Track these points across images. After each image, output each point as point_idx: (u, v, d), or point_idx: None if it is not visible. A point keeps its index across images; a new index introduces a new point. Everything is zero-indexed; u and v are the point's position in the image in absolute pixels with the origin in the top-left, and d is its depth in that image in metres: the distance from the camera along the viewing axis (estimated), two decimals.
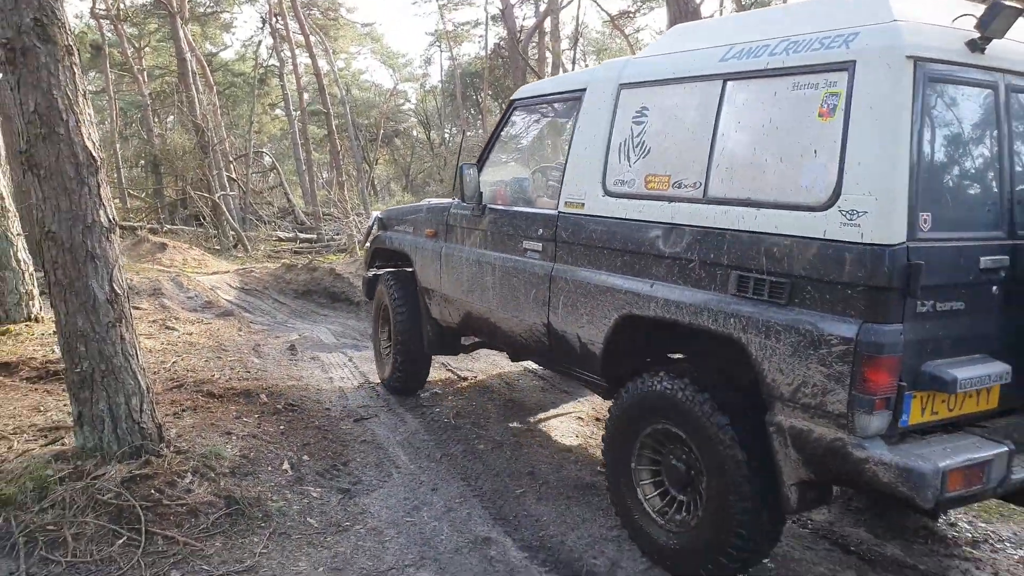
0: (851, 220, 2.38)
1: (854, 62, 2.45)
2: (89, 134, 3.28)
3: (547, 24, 23.21)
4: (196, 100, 20.59)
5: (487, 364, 6.24)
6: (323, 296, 12.96)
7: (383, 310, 5.29)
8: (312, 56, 25.38)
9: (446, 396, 5.23)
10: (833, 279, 2.41)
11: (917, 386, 2.41)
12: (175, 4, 20.77)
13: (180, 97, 22.84)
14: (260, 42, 32.69)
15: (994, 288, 2.58)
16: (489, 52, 34.91)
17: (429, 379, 5.40)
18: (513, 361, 5.16)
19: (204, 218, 20.44)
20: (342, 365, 5.98)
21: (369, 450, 4.21)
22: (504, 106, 4.31)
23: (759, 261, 2.64)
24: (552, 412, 5.02)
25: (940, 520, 3.49)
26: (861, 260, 2.33)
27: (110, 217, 3.35)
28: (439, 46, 43.31)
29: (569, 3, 29.03)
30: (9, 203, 6.68)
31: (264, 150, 31.99)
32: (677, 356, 3.35)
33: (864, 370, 2.31)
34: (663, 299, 2.97)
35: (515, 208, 4.14)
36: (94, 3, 24.35)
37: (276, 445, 4.03)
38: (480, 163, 4.38)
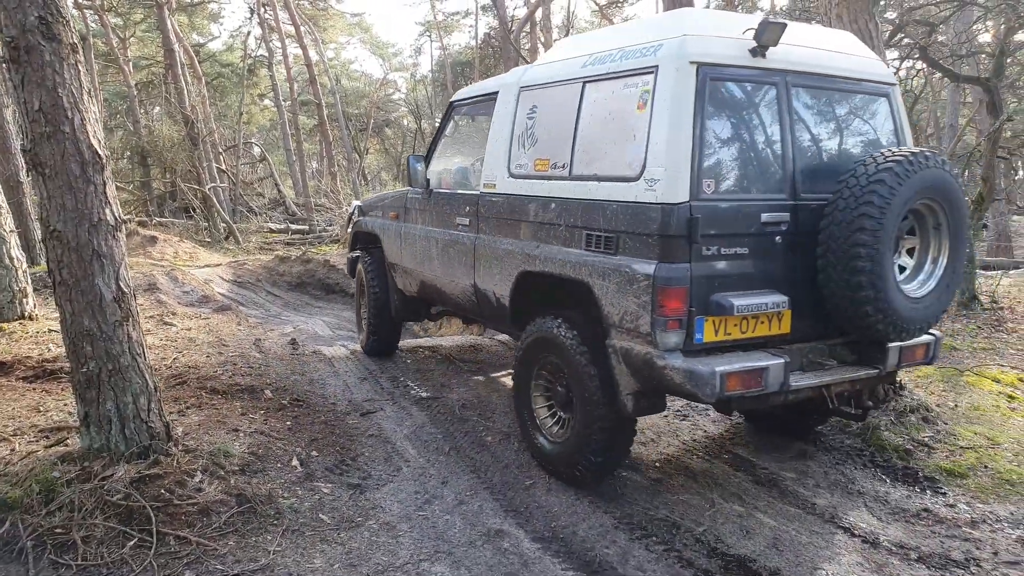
0: (651, 187, 3.15)
1: (657, 66, 3.20)
2: (95, 132, 3.24)
3: (538, 14, 23.07)
4: (185, 91, 20.36)
5: (488, 355, 6.24)
6: (317, 288, 12.94)
7: (361, 285, 6.13)
8: (302, 46, 25.17)
9: (451, 388, 5.23)
10: (641, 231, 3.20)
11: (708, 312, 3.13)
12: None
13: (168, 88, 22.60)
14: (248, 32, 32.29)
15: (777, 238, 3.30)
16: (480, 42, 34.73)
17: (432, 369, 5.53)
18: (466, 324, 6.06)
19: (194, 210, 20.27)
20: (345, 358, 5.95)
21: (377, 444, 4.20)
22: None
23: (599, 222, 3.44)
24: None
25: (938, 501, 3.55)
26: (656, 216, 3.12)
27: (116, 215, 3.31)
28: (429, 36, 43.02)
29: None
30: (1, 199, 6.59)
31: (253, 141, 31.75)
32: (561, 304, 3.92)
33: (660, 298, 3.07)
34: (545, 257, 3.78)
35: (452, 191, 4.98)
36: None
37: (284, 441, 4.02)
38: (428, 155, 5.20)
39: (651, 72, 3.23)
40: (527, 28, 22.91)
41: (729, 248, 3.19)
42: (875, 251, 3.14)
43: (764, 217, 3.25)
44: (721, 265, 3.18)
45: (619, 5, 25.78)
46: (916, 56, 8.21)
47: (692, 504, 3.57)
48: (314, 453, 3.96)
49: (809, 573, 2.98)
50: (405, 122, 46.40)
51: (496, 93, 4.46)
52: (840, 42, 3.82)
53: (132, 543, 2.94)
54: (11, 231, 6.61)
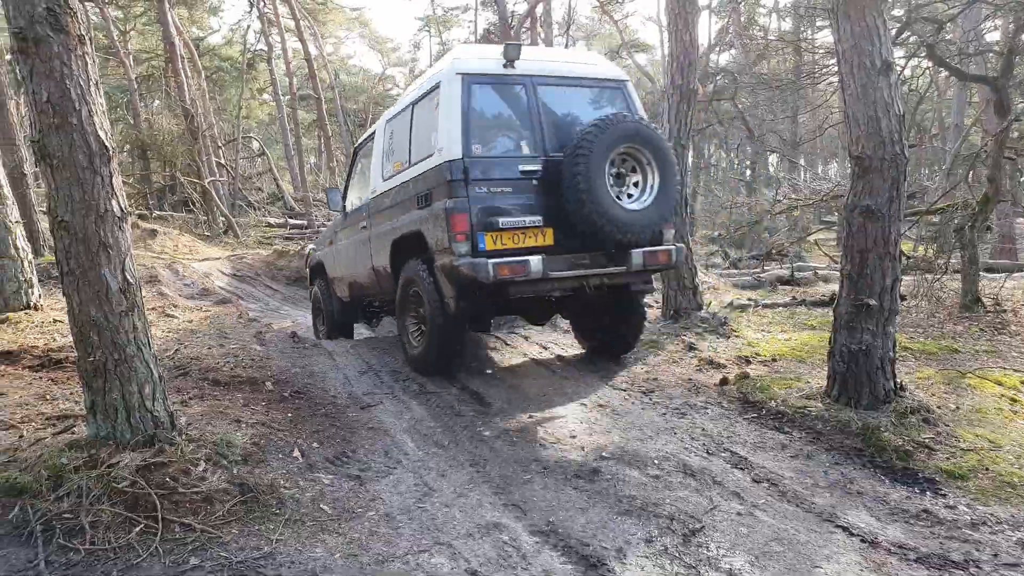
0: (440, 153, 4.84)
1: (440, 81, 5.02)
2: (101, 123, 3.27)
3: (539, 9, 23.09)
4: (185, 85, 20.35)
5: (488, 351, 6.28)
6: None
7: (317, 303, 8.08)
8: (302, 40, 25.15)
9: (450, 383, 5.28)
10: (439, 183, 4.83)
11: (486, 229, 4.71)
12: None
13: (168, 82, 22.58)
14: (248, 26, 32.25)
15: (534, 181, 4.92)
16: (479, 38, 34.72)
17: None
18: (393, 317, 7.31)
19: (194, 204, 20.29)
20: (345, 352, 6.00)
21: (377, 437, 4.25)
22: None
23: (421, 187, 5.11)
24: (555, 398, 5.07)
25: (938, 503, 3.60)
26: (445, 168, 4.76)
27: (122, 206, 3.36)
28: (428, 31, 43.02)
29: None
30: (7, 191, 6.63)
31: (252, 135, 31.71)
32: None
33: (451, 222, 4.67)
34: (402, 225, 5.41)
35: (357, 206, 6.67)
36: None
37: (285, 432, 4.07)
38: (345, 188, 7.16)
39: (438, 85, 5.06)
40: (527, 24, 22.94)
41: (496, 188, 4.82)
42: (589, 179, 4.72)
43: (520, 167, 4.93)
44: (491, 199, 4.79)
45: (619, 1, 25.82)
46: (923, 54, 8.22)
47: (691, 501, 3.62)
48: (315, 444, 4.01)
49: (808, 571, 3.02)
50: None
51: (375, 131, 6.43)
52: (585, 57, 6.12)
53: (138, 529, 2.99)
54: (16, 222, 6.65)
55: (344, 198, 7.02)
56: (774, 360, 5.96)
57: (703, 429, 4.63)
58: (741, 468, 4.06)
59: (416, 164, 5.27)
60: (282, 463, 3.71)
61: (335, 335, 7.43)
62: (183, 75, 20.53)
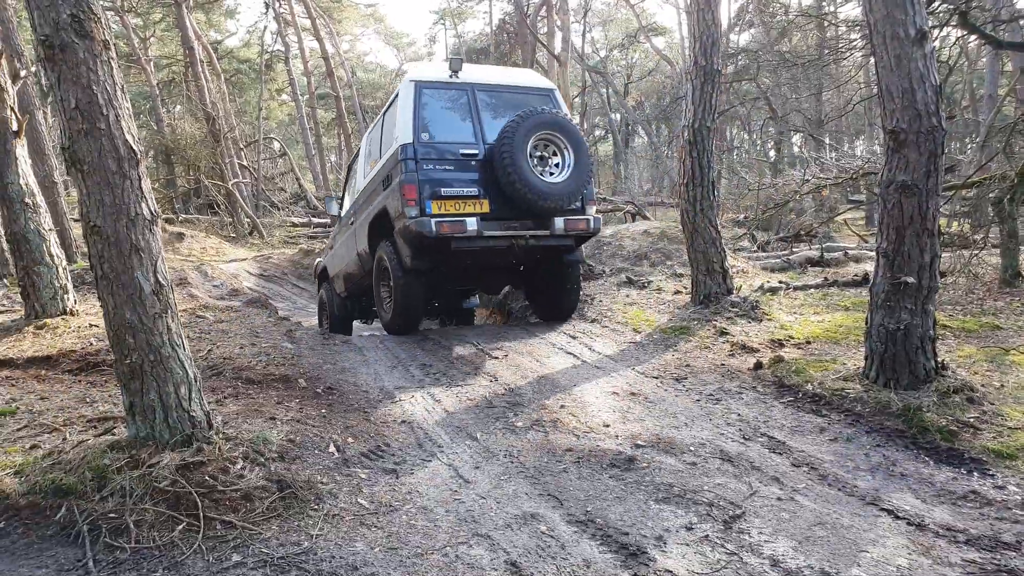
0: (397, 140, 6.06)
1: (400, 88, 6.32)
2: (129, 128, 3.30)
3: None
4: (205, 88, 20.54)
5: (516, 342, 6.27)
6: None
7: (321, 303, 9.23)
8: (318, 39, 25.24)
9: (480, 375, 5.27)
10: (396, 163, 6.03)
11: (432, 197, 5.90)
12: None
13: (188, 86, 22.81)
14: (264, 27, 32.46)
15: (473, 162, 6.14)
16: (494, 28, 34.58)
17: (460, 357, 5.52)
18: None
19: (219, 206, 20.50)
20: (374, 348, 6.02)
21: (410, 430, 4.26)
22: None
23: (385, 172, 6.37)
24: (586, 387, 5.04)
25: (986, 483, 3.51)
26: (399, 151, 5.97)
27: (152, 209, 3.38)
28: (443, 24, 42.96)
29: None
30: (39, 199, 6.74)
31: (273, 136, 31.97)
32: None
33: (404, 191, 5.84)
34: (376, 206, 6.64)
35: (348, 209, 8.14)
36: None
37: (319, 428, 4.08)
38: (342, 196, 8.52)
39: (398, 94, 6.37)
40: (543, 12, 22.78)
41: (440, 167, 6.04)
42: (512, 158, 5.89)
43: (461, 151, 6.17)
44: (437, 175, 6.00)
45: None
46: (955, 23, 7.95)
47: (729, 487, 3.58)
48: (349, 439, 4.02)
49: (853, 556, 2.97)
50: None
51: (356, 154, 8.09)
52: (518, 72, 7.49)
53: (181, 527, 3.02)
54: (50, 229, 6.76)
55: (340, 207, 8.42)
56: (808, 343, 5.87)
57: (738, 414, 4.57)
58: (779, 453, 4.00)
59: (383, 157, 6.59)
60: (318, 459, 3.73)
61: (337, 325, 8.54)
62: (203, 79, 20.73)
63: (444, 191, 5.91)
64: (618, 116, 35.08)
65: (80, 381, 4.77)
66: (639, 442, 4.12)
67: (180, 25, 21.05)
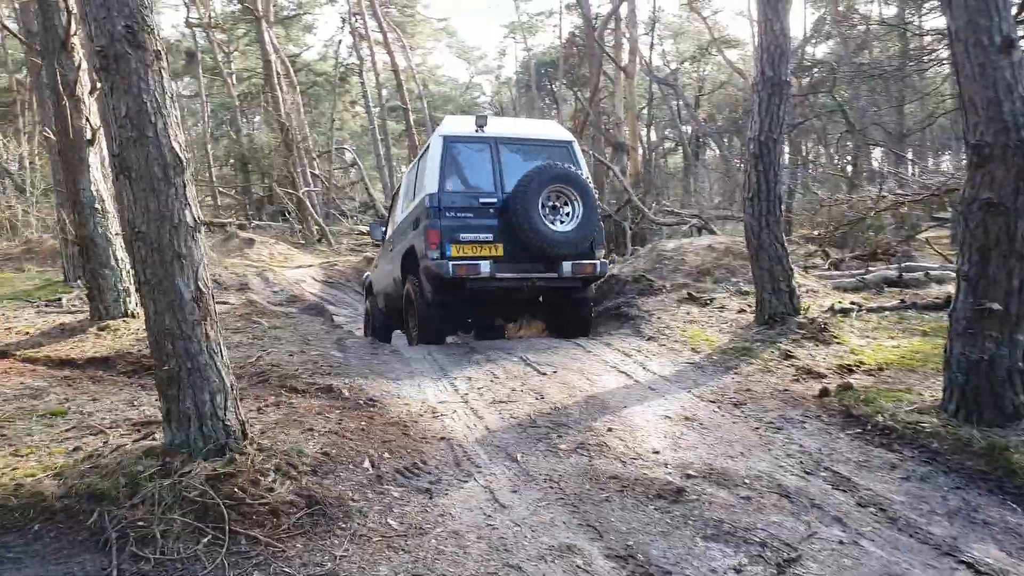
0: (426, 190, 6.81)
1: (431, 142, 7.17)
2: (176, 136, 3.31)
3: (623, 9, 22.68)
4: (280, 100, 21.18)
5: (567, 358, 6.08)
6: None
7: (366, 313, 10.30)
8: (390, 53, 25.73)
9: (525, 392, 5.11)
10: (423, 210, 6.78)
11: (452, 241, 6.57)
12: (260, 8, 21.42)
13: (265, 98, 23.58)
14: (340, 41, 33.39)
15: (491, 210, 6.75)
16: (564, 41, 34.57)
17: (507, 371, 5.44)
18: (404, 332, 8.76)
19: (289, 214, 21.06)
20: (421, 359, 5.95)
21: (448, 448, 4.13)
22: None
23: (415, 215, 7.12)
24: (637, 410, 4.81)
25: None
26: (426, 200, 6.72)
27: (196, 216, 3.38)
28: (513, 37, 43.28)
29: None
30: (109, 205, 6.99)
31: (346, 147, 32.75)
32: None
33: (428, 236, 6.59)
34: (407, 242, 7.38)
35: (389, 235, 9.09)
36: (188, 12, 25.41)
37: (357, 442, 4.00)
38: (385, 223, 9.63)
39: (430, 145, 7.15)
40: (611, 24, 22.57)
41: (462, 214, 6.70)
42: (525, 208, 6.54)
43: (481, 200, 6.82)
44: (457, 222, 6.66)
45: None
46: None
47: (786, 526, 3.30)
48: (386, 455, 3.92)
49: None
50: None
51: (397, 190, 9.24)
52: (541, 124, 8.47)
53: (206, 540, 2.97)
54: (116, 234, 7.00)
55: (384, 233, 9.42)
56: (880, 369, 5.46)
57: (800, 445, 4.27)
58: (843, 490, 3.69)
59: (415, 200, 7.30)
60: (351, 474, 3.64)
61: (380, 336, 9.37)
62: (278, 91, 21.38)
63: (463, 236, 6.61)
64: (688, 128, 34.44)
65: (132, 383, 4.86)
66: (690, 472, 3.88)
67: (259, 40, 21.82)
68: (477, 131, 7.03)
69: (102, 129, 6.79)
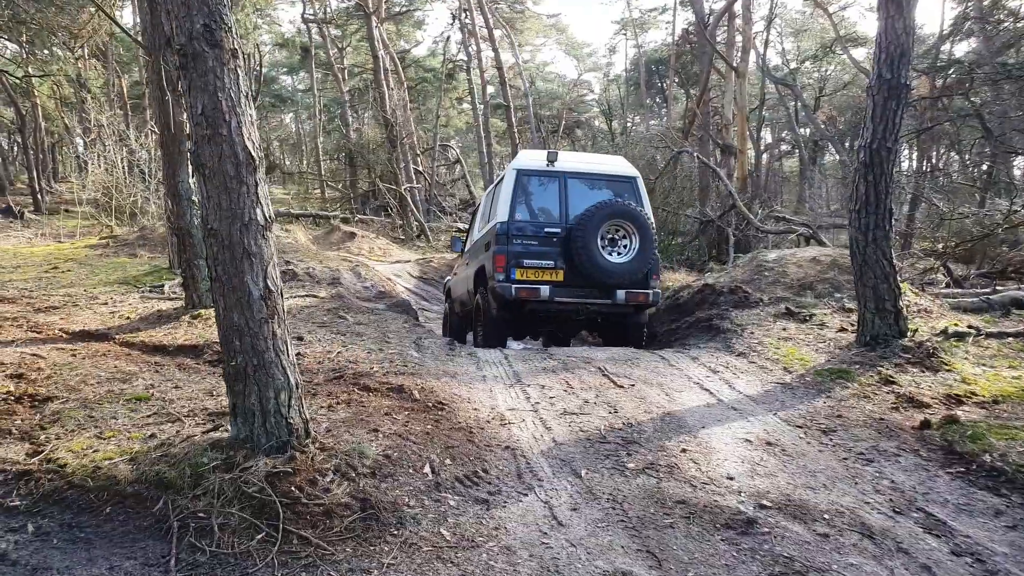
0: (497, 217, 7.63)
1: (505, 173, 8.09)
2: (249, 134, 3.36)
3: (738, 6, 21.80)
4: (386, 96, 21.75)
5: (647, 371, 5.86)
6: None
7: (445, 315, 11.14)
8: (495, 50, 25.88)
9: (597, 405, 4.95)
10: (494, 236, 7.59)
11: (517, 266, 7.35)
12: (371, 4, 22.06)
13: (373, 94, 24.29)
14: (448, 37, 33.92)
15: (555, 239, 7.48)
16: (676, 38, 33.71)
17: (582, 380, 5.23)
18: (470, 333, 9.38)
19: (391, 209, 21.60)
20: (496, 363, 5.89)
21: (512, 458, 4.04)
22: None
23: (487, 238, 8.01)
24: (716, 431, 4.56)
25: None
26: (496, 227, 7.54)
27: (266, 215, 3.43)
28: (624, 34, 42.60)
29: None
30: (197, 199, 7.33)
31: (451, 143, 33.28)
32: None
33: (496, 260, 7.39)
34: (479, 261, 8.20)
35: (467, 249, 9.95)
36: (304, 8, 26.54)
37: (420, 445, 3.97)
38: (466, 238, 10.32)
39: (504, 175, 7.91)
40: (724, 21, 21.74)
41: (528, 241, 7.38)
42: (584, 241, 7.18)
43: (546, 230, 7.48)
44: (522, 248, 7.35)
45: None
46: None
47: (865, 570, 3.01)
48: (447, 461, 3.87)
49: None
50: (596, 123, 46.28)
51: (478, 207, 9.96)
52: (609, 160, 8.83)
53: (260, 536, 3.01)
54: None
55: (464, 246, 10.28)
56: (995, 403, 4.93)
57: (892, 481, 3.90)
58: (937, 535, 3.34)
59: (489, 224, 8.06)
60: (410, 479, 3.61)
61: (455, 332, 10.06)
62: (384, 87, 21.96)
63: (527, 262, 7.31)
64: (806, 131, 32.76)
65: (215, 373, 5.04)
66: (764, 502, 3.61)
67: (368, 36, 22.48)
68: (548, 165, 7.71)
69: None
